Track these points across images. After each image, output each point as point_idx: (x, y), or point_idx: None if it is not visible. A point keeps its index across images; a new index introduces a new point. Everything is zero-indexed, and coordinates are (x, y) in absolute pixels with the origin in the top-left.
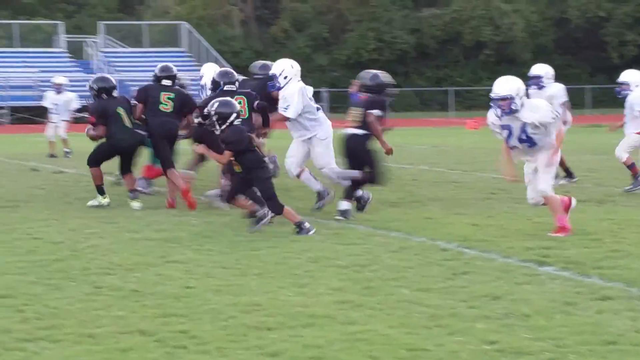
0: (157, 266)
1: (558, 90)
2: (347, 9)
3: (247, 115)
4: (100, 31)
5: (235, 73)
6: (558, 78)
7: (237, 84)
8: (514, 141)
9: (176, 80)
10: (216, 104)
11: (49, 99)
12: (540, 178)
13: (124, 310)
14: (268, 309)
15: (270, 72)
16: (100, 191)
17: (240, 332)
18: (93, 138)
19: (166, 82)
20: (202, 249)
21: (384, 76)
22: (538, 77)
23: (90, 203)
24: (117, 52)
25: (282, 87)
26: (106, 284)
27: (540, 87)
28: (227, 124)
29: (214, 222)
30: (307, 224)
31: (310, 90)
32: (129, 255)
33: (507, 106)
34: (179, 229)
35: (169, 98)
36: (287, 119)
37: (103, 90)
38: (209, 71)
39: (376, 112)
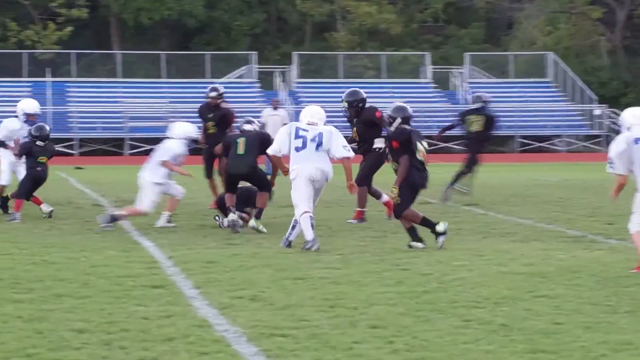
0: (526, 300)
1: None
2: None
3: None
4: (466, 62)
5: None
6: None
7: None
8: None
9: None
10: None
11: None
12: None
13: (493, 345)
14: None
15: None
16: None
17: None
18: None
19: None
20: (571, 284)
21: None
22: None
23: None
24: (482, 83)
25: None
26: (474, 318)
27: None
28: None
29: (581, 256)
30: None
31: None
32: (497, 289)
33: None
34: (547, 263)
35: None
36: None
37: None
38: None
39: None
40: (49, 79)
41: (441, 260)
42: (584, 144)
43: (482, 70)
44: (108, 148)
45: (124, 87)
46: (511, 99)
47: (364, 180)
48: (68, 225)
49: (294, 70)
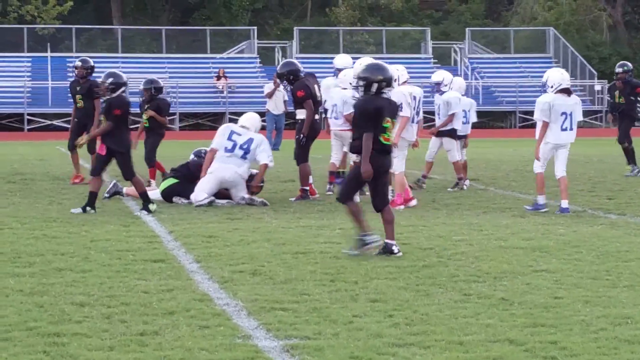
0: (525, 275)
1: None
2: None
3: None
4: (467, 37)
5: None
6: None
7: None
8: None
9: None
10: None
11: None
12: None
13: (493, 319)
14: None
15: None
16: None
17: (612, 345)
18: None
19: None
20: (570, 258)
21: None
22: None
23: None
24: (483, 58)
25: None
26: (474, 292)
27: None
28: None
29: (581, 231)
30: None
31: None
32: (497, 263)
33: None
34: (547, 238)
35: None
36: None
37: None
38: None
39: None
40: (49, 54)
41: (441, 234)
42: (585, 119)
43: (483, 45)
44: None
45: (124, 63)
46: (511, 74)
47: (300, 159)
48: (69, 200)
49: (294, 45)
